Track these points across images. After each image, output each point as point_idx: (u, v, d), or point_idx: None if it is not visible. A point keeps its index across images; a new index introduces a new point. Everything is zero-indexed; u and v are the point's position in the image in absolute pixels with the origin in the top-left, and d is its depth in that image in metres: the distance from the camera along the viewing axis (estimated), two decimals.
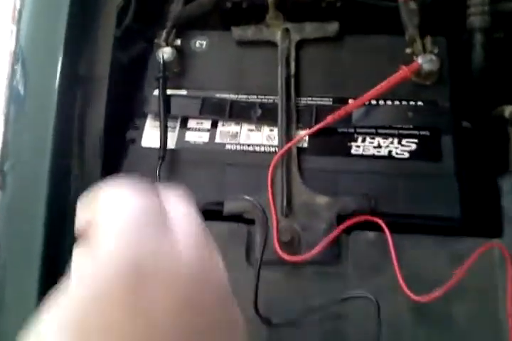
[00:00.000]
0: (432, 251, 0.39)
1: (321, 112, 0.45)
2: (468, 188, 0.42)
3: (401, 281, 0.37)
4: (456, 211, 0.41)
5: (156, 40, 0.49)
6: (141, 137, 0.46)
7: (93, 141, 0.44)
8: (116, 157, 0.45)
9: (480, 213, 0.42)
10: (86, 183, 0.44)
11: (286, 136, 0.44)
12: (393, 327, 0.37)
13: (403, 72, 0.44)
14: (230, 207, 0.41)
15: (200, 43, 0.50)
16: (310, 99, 0.46)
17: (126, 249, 0.19)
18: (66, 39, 0.42)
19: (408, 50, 0.47)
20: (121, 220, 0.20)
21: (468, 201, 0.41)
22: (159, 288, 0.19)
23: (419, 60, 0.45)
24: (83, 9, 0.43)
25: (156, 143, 0.45)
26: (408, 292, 0.36)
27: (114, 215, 0.20)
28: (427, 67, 0.44)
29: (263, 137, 0.45)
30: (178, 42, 0.49)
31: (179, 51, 0.49)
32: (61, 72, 0.41)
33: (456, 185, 0.41)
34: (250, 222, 0.42)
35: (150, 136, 0.46)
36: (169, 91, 0.47)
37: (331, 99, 0.46)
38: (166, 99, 0.46)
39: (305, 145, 0.45)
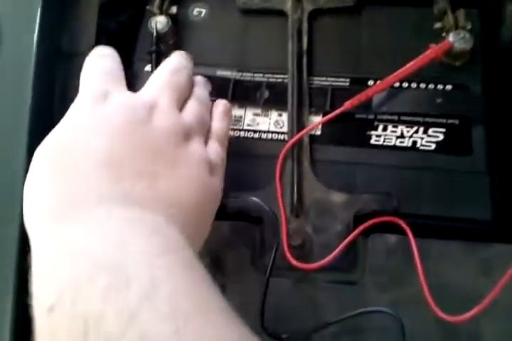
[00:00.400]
0: (460, 259, 0.35)
1: (337, 95, 0.40)
2: (501, 187, 0.38)
3: (428, 296, 0.32)
4: (487, 213, 0.36)
5: (148, 7, 0.42)
6: None
7: None
8: None
9: None
10: None
11: (298, 122, 0.39)
12: None
13: (433, 51, 0.38)
14: (233, 205, 0.36)
15: (198, 11, 0.44)
16: (324, 79, 0.41)
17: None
18: (43, 12, 0.35)
19: (438, 25, 0.41)
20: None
21: (500, 201, 0.37)
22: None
23: (451, 37, 0.39)
24: None
25: None
26: (437, 310, 0.32)
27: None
28: (459, 46, 0.39)
29: (270, 123, 0.40)
30: (174, 9, 0.42)
31: (174, 20, 0.42)
32: (38, 48, 0.35)
33: (488, 183, 0.37)
34: (257, 220, 0.37)
35: None
36: None
37: (348, 80, 0.40)
38: None
39: (318, 132, 0.39)
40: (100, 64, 0.32)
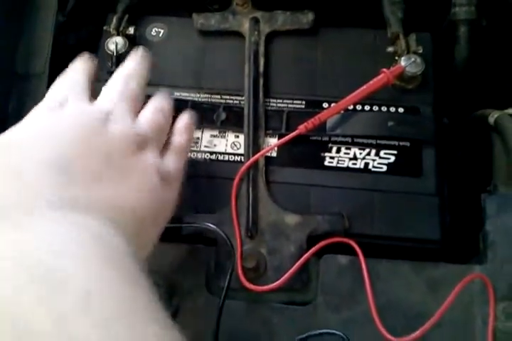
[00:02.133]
0: (408, 279, 0.36)
1: (293, 117, 0.40)
2: (450, 207, 0.39)
3: (375, 317, 0.33)
4: (436, 233, 0.37)
5: (105, 28, 0.42)
6: None
7: None
8: None
9: (461, 235, 0.39)
10: None
11: (254, 144, 0.39)
12: None
13: (385, 76, 0.39)
14: (188, 228, 0.37)
15: (157, 31, 0.44)
16: (281, 101, 0.41)
17: None
18: None
19: (390, 49, 0.42)
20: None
21: (448, 222, 0.38)
22: None
23: (402, 62, 0.40)
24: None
25: None
26: (383, 331, 0.33)
27: None
28: (410, 70, 0.40)
29: (227, 144, 0.40)
30: (131, 30, 0.43)
31: (132, 40, 0.43)
32: None
33: (437, 205, 0.38)
34: (212, 241, 0.37)
35: None
36: None
37: (303, 102, 0.41)
38: None
39: (273, 154, 0.40)
40: (68, 76, 0.33)
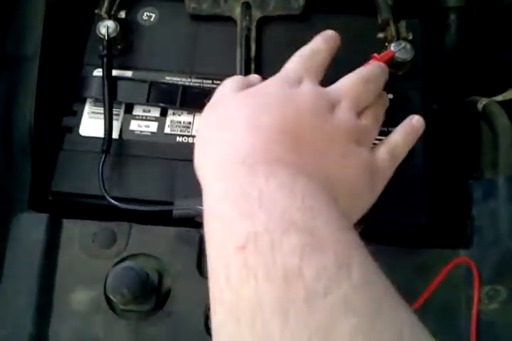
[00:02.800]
0: (395, 262, 0.37)
1: None
2: (438, 193, 0.40)
3: None
4: (423, 217, 0.38)
5: (96, 11, 0.42)
6: (79, 124, 0.40)
7: (21, 131, 0.38)
8: (50, 148, 0.40)
9: (447, 219, 0.39)
10: (13, 176, 0.39)
11: None
12: None
13: (375, 60, 0.39)
14: (179, 212, 0.37)
15: (148, 15, 0.44)
16: None
17: None
18: None
19: (380, 35, 0.42)
20: None
21: (436, 207, 0.39)
22: None
23: (392, 47, 0.41)
24: None
25: (97, 132, 0.40)
26: None
27: None
28: (400, 56, 0.40)
29: None
30: (123, 14, 0.43)
31: (123, 24, 0.42)
32: None
33: (425, 190, 0.39)
34: (202, 224, 0.38)
35: (90, 123, 0.40)
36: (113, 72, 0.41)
37: None
38: (112, 83, 0.40)
39: None
40: (309, 55, 0.35)
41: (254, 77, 0.37)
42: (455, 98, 0.47)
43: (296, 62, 0.35)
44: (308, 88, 0.32)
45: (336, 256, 0.22)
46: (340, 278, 0.21)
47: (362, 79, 0.35)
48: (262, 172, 0.26)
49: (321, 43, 0.36)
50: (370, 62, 0.40)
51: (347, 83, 0.34)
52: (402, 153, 0.35)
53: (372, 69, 0.36)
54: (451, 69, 0.49)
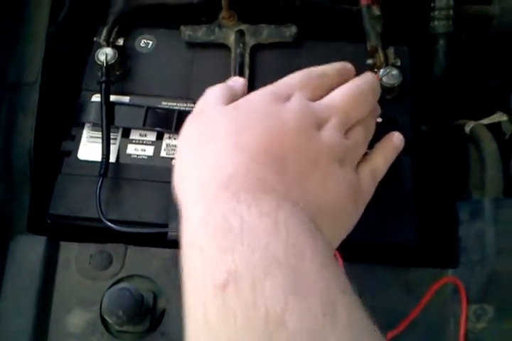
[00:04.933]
0: (383, 281, 0.38)
1: None
2: (426, 214, 0.41)
3: None
4: (412, 240, 0.39)
5: (95, 39, 0.44)
6: (77, 149, 0.42)
7: (21, 155, 0.39)
8: (49, 171, 0.41)
9: (436, 240, 0.40)
10: (13, 198, 0.40)
11: None
12: None
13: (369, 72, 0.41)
14: (174, 234, 0.38)
15: (145, 42, 0.45)
16: None
17: None
18: None
19: (369, 61, 0.44)
20: None
21: (424, 228, 0.40)
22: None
23: (381, 73, 0.42)
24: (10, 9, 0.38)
25: (94, 156, 0.41)
26: None
27: None
28: (388, 81, 0.42)
29: None
30: (121, 41, 0.44)
31: (121, 51, 0.44)
32: None
33: (413, 212, 0.40)
34: None
35: (88, 147, 0.42)
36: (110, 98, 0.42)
37: None
38: (110, 108, 0.41)
39: None
40: (319, 72, 0.34)
41: (237, 82, 0.36)
42: (444, 121, 0.49)
43: (295, 77, 0.34)
44: (296, 104, 0.31)
45: (321, 300, 0.21)
46: (325, 325, 0.21)
47: (354, 93, 0.33)
48: (245, 199, 0.25)
49: (333, 70, 0.35)
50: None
51: (338, 97, 0.33)
52: (383, 171, 0.35)
53: (367, 80, 0.35)
54: (440, 93, 0.51)
